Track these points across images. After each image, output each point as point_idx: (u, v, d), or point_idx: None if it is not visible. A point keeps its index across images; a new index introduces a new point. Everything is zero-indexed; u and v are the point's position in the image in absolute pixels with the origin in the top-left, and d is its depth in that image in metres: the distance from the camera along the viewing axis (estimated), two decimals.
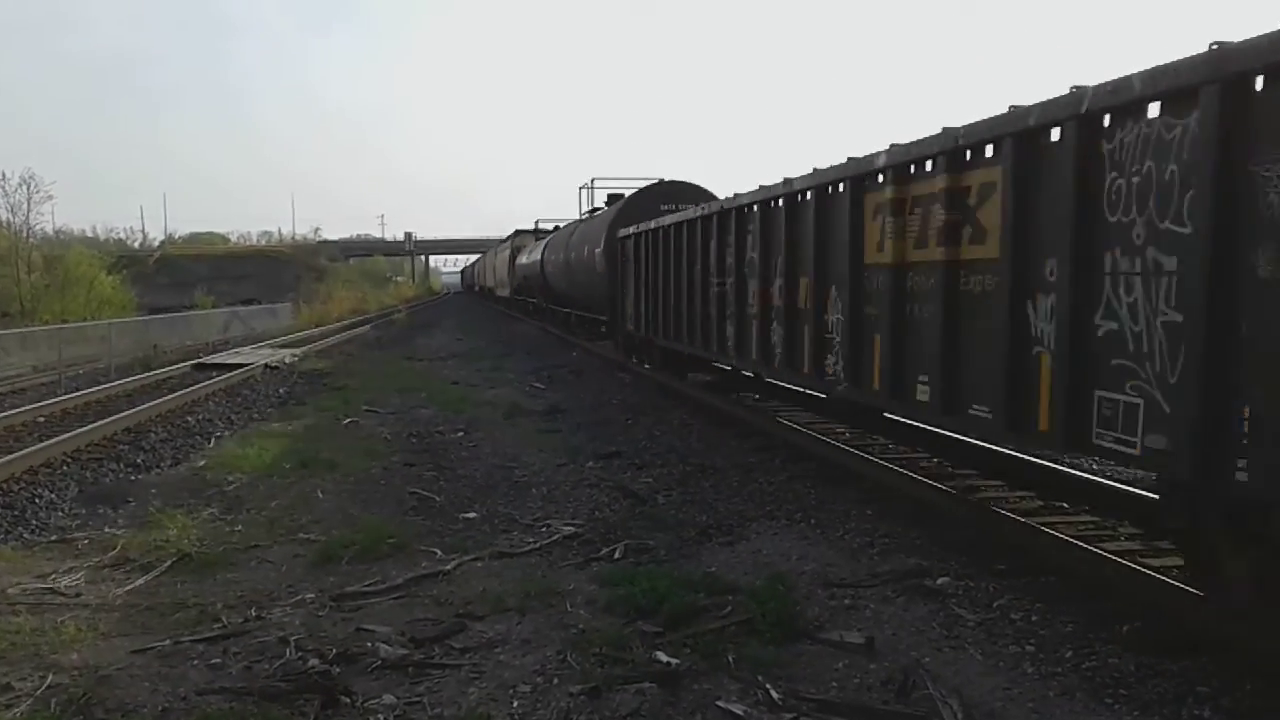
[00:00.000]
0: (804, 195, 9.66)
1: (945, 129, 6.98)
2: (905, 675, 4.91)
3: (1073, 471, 8.67)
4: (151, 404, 15.19)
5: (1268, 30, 4.37)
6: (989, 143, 6.54)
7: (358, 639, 5.57)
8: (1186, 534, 5.46)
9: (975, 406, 6.72)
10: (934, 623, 5.69)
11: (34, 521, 8.66)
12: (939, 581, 6.33)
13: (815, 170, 9.41)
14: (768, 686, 4.82)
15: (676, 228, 14.67)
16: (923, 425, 9.80)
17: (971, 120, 6.72)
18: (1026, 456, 8.84)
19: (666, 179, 22.38)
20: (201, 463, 11.21)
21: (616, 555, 7.20)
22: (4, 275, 41.44)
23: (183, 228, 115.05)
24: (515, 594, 6.28)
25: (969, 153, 6.78)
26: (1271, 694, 4.60)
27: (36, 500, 9.36)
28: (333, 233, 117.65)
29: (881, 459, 9.56)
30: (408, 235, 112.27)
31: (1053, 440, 5.98)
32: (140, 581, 6.85)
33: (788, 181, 10.00)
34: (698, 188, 21.32)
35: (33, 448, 11.33)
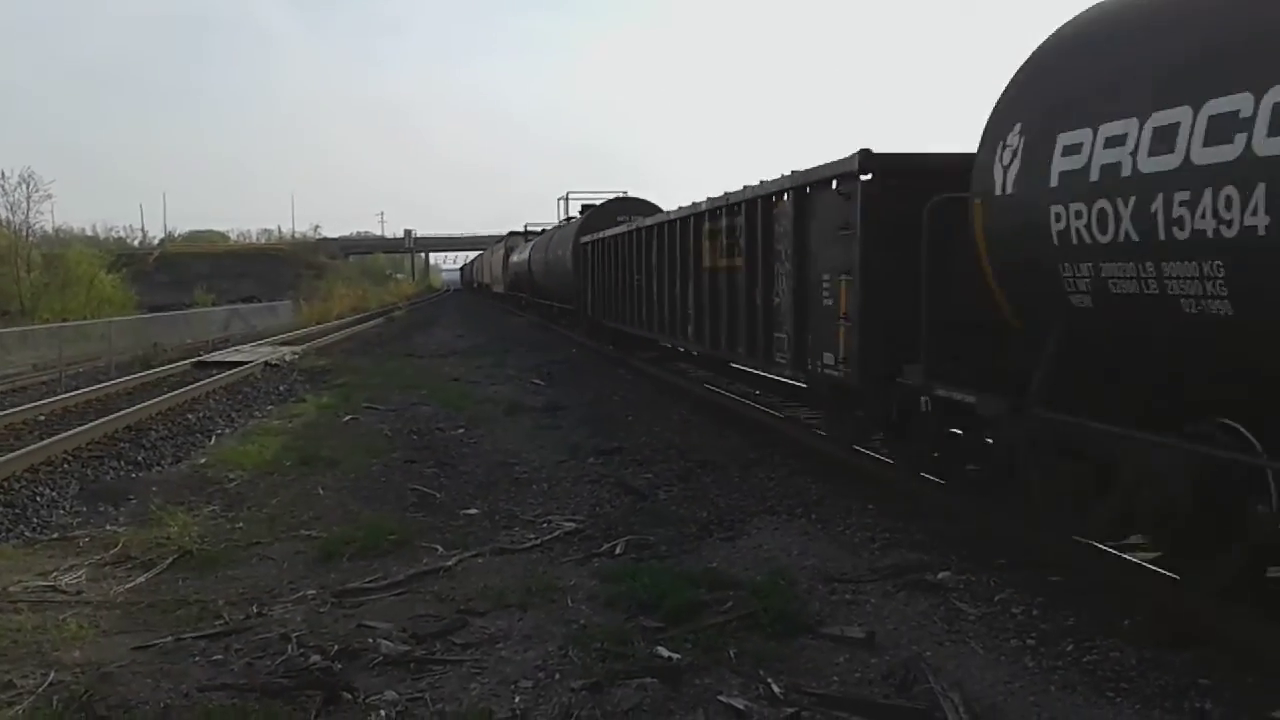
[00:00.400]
0: (674, 223, 14.99)
1: (725, 193, 12.18)
2: (906, 669, 4.92)
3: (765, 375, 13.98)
4: (152, 402, 15.19)
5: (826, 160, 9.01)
6: (742, 203, 11.43)
7: (359, 635, 5.58)
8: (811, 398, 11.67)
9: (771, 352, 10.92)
10: (935, 617, 5.70)
11: (35, 519, 8.66)
12: (940, 576, 6.34)
13: (679, 207, 14.87)
14: (769, 681, 4.82)
15: (618, 237, 19.64)
16: (736, 366, 15.52)
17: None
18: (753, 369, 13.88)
19: (627, 194, 27.97)
20: (202, 460, 11.22)
21: (618, 551, 7.20)
22: (4, 274, 41.51)
23: (183, 226, 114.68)
24: (516, 590, 6.29)
25: (737, 206, 11.71)
26: (1274, 685, 4.61)
27: (37, 498, 9.36)
28: (333, 230, 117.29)
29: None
30: (407, 232, 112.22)
31: (760, 359, 11.27)
32: (142, 579, 6.85)
33: (668, 213, 15.83)
34: (649, 203, 25.68)
35: (33, 446, 11.34)
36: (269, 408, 15.76)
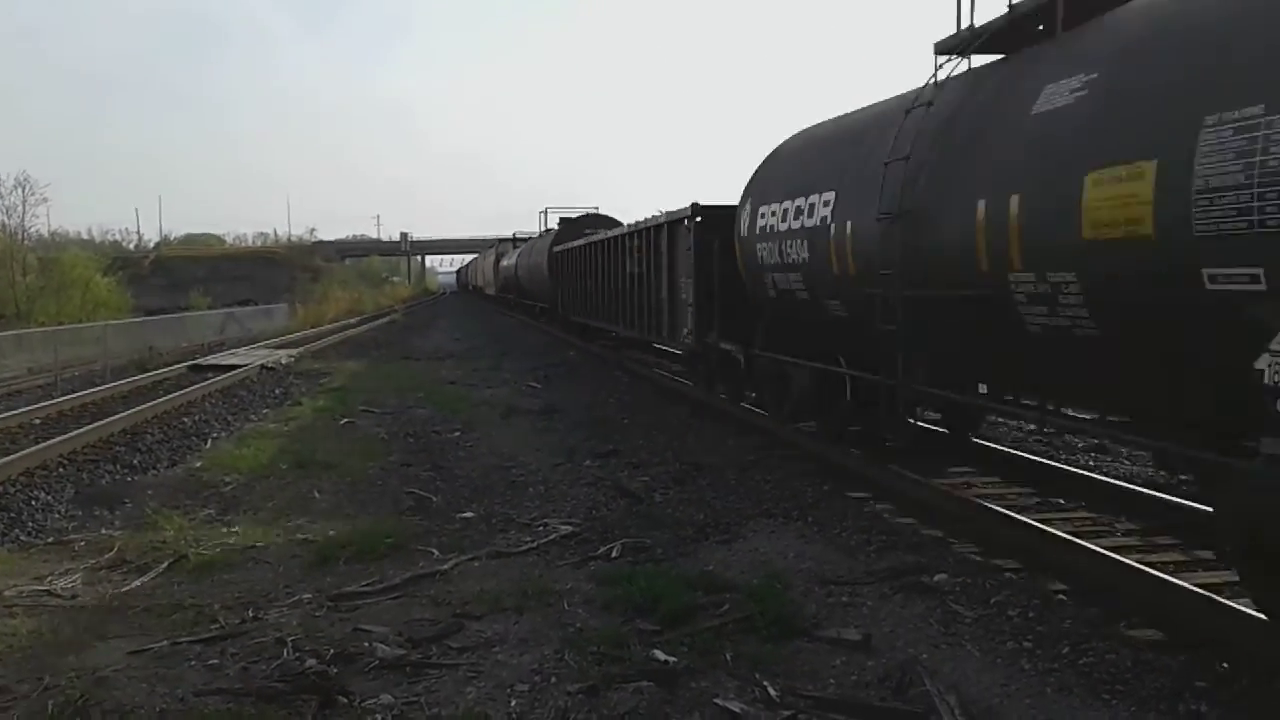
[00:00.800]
0: (611, 240, 20.09)
1: (637, 221, 17.77)
2: (903, 672, 4.92)
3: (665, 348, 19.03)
4: (148, 405, 15.17)
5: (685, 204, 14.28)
6: (646, 229, 16.53)
7: (355, 639, 5.57)
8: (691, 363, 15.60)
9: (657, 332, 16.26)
10: (931, 619, 5.70)
11: (30, 523, 8.65)
12: (936, 578, 6.34)
13: (626, 225, 19.67)
14: (765, 684, 4.82)
15: (579, 249, 24.69)
16: (655, 344, 19.30)
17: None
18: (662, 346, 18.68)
19: (597, 210, 35.39)
20: (198, 464, 11.21)
21: (614, 554, 7.20)
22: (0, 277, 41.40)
23: (178, 229, 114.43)
24: (513, 593, 6.29)
25: (643, 231, 16.72)
26: (1269, 687, 4.62)
27: (33, 502, 9.35)
28: (329, 233, 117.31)
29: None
30: (403, 235, 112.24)
31: (663, 338, 15.85)
32: (137, 583, 6.84)
33: (608, 232, 21.39)
34: (611, 219, 30.99)
35: (29, 449, 11.32)
36: (265, 411, 15.75)
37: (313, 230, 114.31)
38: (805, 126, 11.20)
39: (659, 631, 5.56)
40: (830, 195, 9.07)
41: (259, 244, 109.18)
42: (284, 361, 23.09)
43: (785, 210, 10.01)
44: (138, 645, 5.58)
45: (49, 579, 6.92)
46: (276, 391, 18.31)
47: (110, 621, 6.06)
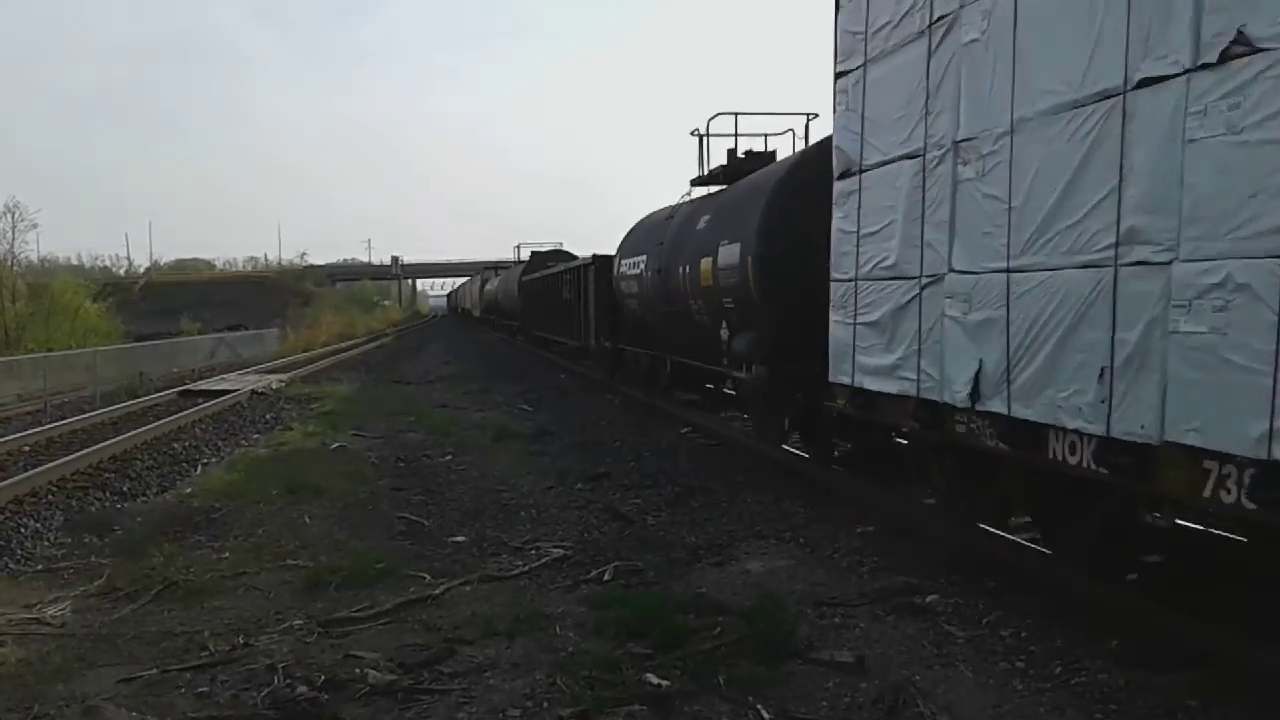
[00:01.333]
0: (553, 274, 28.41)
1: (568, 264, 28.05)
2: (896, 693, 4.92)
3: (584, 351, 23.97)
4: (138, 431, 15.12)
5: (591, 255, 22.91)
6: (572, 268, 25.19)
7: (346, 665, 5.55)
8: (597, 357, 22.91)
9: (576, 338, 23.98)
10: (924, 640, 5.71)
11: (19, 551, 8.59)
12: (928, 599, 6.35)
13: (559, 265, 29.99)
14: (759, 707, 4.82)
15: (537, 279, 32.81)
16: (577, 345, 24.87)
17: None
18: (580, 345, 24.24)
19: (560, 247, 43.93)
20: (188, 490, 11.16)
21: (606, 577, 7.19)
22: None
23: (168, 254, 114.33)
24: (504, 618, 6.27)
25: (570, 270, 25.30)
26: (1262, 708, 4.63)
27: (22, 530, 9.29)
28: (320, 258, 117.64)
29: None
30: (394, 259, 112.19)
31: (583, 341, 23.29)
32: (127, 610, 6.80)
33: (551, 268, 31.25)
34: (570, 254, 37.43)
35: (18, 477, 11.26)
36: (255, 436, 15.70)
37: (304, 254, 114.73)
38: (647, 214, 18.59)
39: (651, 655, 5.54)
40: (644, 258, 16.29)
41: (250, 269, 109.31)
42: (275, 386, 23.05)
43: (630, 263, 17.36)
44: (127, 673, 5.54)
45: (38, 607, 6.87)
46: (267, 416, 18.25)
47: (100, 649, 6.02)
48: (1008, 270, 5.85)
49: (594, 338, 21.53)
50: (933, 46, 6.72)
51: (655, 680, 5.14)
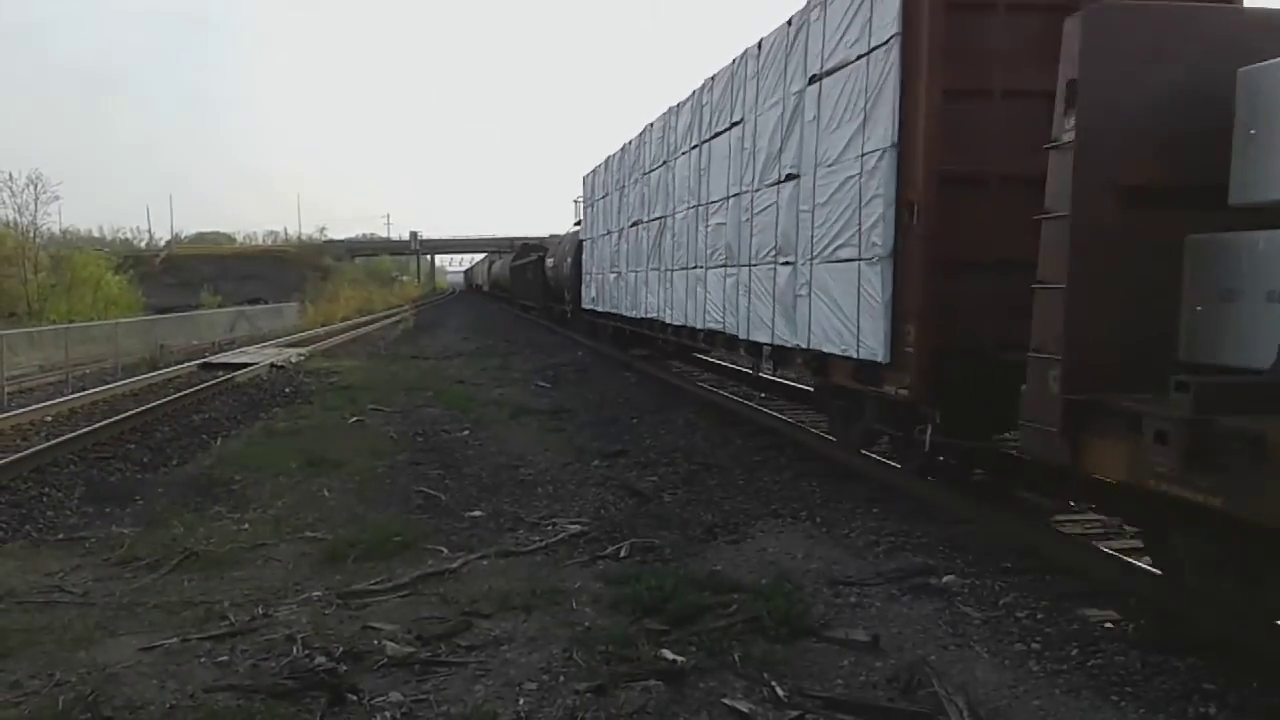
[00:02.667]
0: (533, 260, 40.91)
1: (537, 246, 43.76)
2: (911, 673, 4.92)
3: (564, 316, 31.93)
4: (158, 403, 15.23)
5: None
6: (537, 258, 40.00)
7: (364, 637, 5.59)
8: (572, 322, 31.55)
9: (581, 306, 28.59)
10: (940, 620, 5.70)
11: (41, 520, 8.69)
12: (945, 579, 6.34)
13: (540, 241, 45.62)
14: (773, 684, 4.83)
15: (521, 264, 46.26)
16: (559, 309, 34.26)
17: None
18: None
19: (547, 236, 50.71)
20: (208, 461, 11.24)
21: (622, 554, 7.21)
22: (11, 275, 41.49)
23: (189, 228, 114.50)
24: (521, 592, 6.30)
25: (539, 257, 39.44)
26: (1277, 691, 4.61)
27: (44, 499, 9.39)
28: (339, 233, 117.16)
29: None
30: (413, 235, 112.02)
31: (560, 307, 32.86)
32: (148, 580, 6.87)
33: (529, 257, 43.86)
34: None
35: (40, 446, 11.38)
36: (275, 409, 15.78)
37: (323, 229, 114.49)
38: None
39: (667, 631, 5.57)
40: (570, 258, 27.41)
41: (269, 243, 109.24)
42: (294, 360, 23.15)
43: (555, 258, 31.92)
44: (148, 642, 5.60)
45: (60, 575, 6.95)
46: (286, 390, 18.34)
47: (121, 618, 6.09)
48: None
49: (539, 300, 37.94)
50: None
51: (670, 656, 5.16)
